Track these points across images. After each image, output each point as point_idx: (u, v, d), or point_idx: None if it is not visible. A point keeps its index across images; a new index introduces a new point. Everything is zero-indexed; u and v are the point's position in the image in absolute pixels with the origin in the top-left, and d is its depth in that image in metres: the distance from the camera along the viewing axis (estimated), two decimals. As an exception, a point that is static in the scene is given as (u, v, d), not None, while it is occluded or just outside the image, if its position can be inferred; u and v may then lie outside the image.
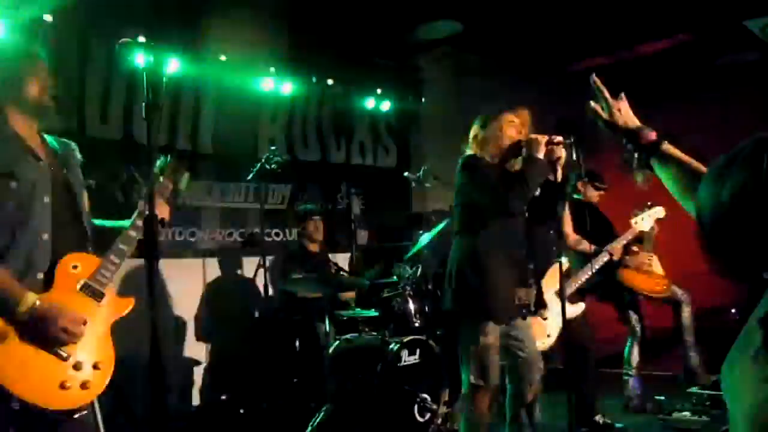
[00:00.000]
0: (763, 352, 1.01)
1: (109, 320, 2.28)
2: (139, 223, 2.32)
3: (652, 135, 1.71)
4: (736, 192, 1.05)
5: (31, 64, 2.30)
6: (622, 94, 1.81)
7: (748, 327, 1.09)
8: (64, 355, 2.11)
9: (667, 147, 1.69)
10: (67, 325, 2.10)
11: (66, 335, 2.10)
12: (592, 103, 1.81)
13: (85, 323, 2.16)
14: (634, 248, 4.74)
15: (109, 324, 2.28)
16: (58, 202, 2.26)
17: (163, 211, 2.43)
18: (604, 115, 1.79)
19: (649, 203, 4.56)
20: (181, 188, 2.54)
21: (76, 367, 2.12)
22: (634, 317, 4.93)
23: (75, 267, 2.23)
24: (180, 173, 2.52)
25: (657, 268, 4.93)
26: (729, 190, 1.06)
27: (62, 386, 2.07)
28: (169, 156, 2.55)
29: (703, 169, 1.58)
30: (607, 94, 1.80)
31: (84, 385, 2.13)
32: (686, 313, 5.06)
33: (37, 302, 2.07)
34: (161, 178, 2.48)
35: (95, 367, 2.17)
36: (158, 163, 2.51)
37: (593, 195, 4.84)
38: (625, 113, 1.79)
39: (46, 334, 2.08)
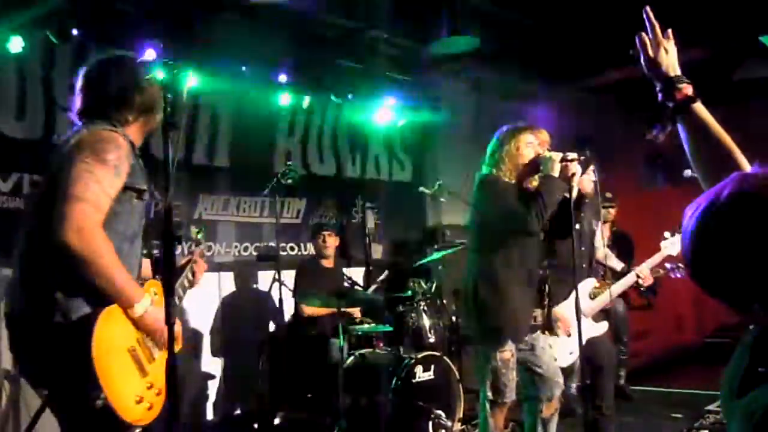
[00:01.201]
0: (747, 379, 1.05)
1: None
2: (190, 275, 2.51)
3: (689, 90, 1.59)
4: (714, 237, 1.09)
5: (163, 94, 2.29)
6: (670, 33, 1.66)
7: (738, 352, 1.11)
8: (147, 369, 2.15)
9: (698, 107, 1.56)
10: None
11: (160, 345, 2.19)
12: (642, 35, 1.65)
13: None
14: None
15: None
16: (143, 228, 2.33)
17: (200, 270, 2.59)
18: (650, 51, 1.64)
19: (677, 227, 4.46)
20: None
21: (150, 387, 2.15)
22: None
23: (156, 294, 2.25)
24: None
25: None
26: (709, 235, 1.10)
27: (138, 401, 2.08)
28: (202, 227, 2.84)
29: (729, 140, 1.51)
30: (658, 30, 1.65)
31: (150, 407, 2.14)
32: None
33: (150, 307, 2.12)
34: (200, 237, 2.71)
35: (159, 392, 2.19)
36: (199, 232, 2.75)
37: (605, 213, 4.73)
38: (670, 56, 1.65)
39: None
